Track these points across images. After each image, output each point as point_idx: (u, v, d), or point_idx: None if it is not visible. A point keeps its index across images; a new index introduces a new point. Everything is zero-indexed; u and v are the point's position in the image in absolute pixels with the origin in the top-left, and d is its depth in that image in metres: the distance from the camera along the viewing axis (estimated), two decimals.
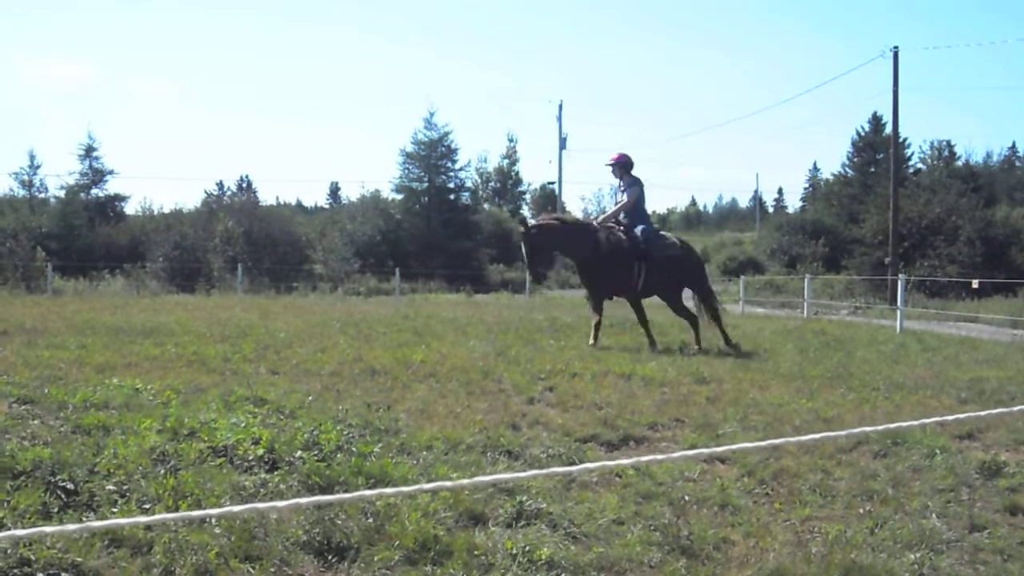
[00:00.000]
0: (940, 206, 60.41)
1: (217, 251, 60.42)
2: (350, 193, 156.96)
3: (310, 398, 10.44)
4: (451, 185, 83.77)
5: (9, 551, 5.32)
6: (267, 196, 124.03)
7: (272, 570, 5.66)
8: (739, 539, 6.63)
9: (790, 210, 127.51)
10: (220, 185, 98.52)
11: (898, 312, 27.72)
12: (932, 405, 11.88)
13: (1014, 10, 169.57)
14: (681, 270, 19.52)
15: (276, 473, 7.35)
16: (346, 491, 7.00)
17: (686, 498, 7.41)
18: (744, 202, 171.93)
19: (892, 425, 5.21)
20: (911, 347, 19.98)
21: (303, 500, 3.61)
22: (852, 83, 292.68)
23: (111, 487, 6.65)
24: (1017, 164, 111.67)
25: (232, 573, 5.56)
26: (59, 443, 7.62)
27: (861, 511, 7.38)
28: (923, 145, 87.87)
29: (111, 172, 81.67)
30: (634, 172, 19.35)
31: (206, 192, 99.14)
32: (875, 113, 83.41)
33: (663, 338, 19.28)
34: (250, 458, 7.63)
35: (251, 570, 5.62)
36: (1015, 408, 5.12)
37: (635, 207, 19.13)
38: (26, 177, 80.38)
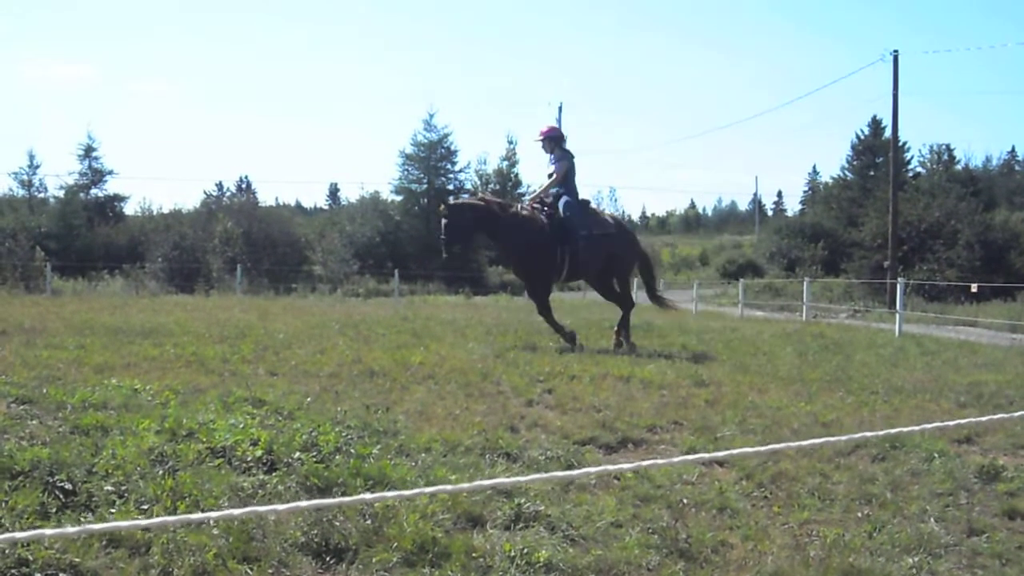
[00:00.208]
0: (939, 210, 60.37)
1: (216, 252, 60.46)
2: (349, 194, 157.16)
3: (309, 399, 10.44)
4: (450, 187, 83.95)
5: (7, 551, 5.32)
6: (266, 197, 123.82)
7: (270, 571, 5.65)
8: (737, 542, 6.63)
9: (789, 213, 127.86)
10: (219, 186, 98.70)
11: (897, 316, 27.75)
12: (931, 409, 11.88)
13: (1014, 15, 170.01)
14: (613, 252, 18.68)
15: (274, 474, 7.34)
16: (344, 493, 7.01)
17: (684, 501, 7.41)
18: (743, 205, 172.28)
19: (893, 431, 5.22)
20: (910, 351, 19.98)
21: (303, 504, 3.62)
22: (852, 87, 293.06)
23: (109, 487, 6.64)
24: (1016, 168, 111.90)
25: (230, 574, 5.55)
26: (57, 443, 7.61)
27: (859, 515, 7.38)
28: (922, 149, 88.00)
29: (110, 172, 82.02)
30: (566, 147, 18.75)
31: (205, 193, 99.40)
32: (875, 117, 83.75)
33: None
34: (248, 459, 7.62)
35: (249, 571, 5.61)
36: (1015, 414, 5.13)
37: (566, 182, 18.42)
38: (25, 177, 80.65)
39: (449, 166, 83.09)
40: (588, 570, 5.97)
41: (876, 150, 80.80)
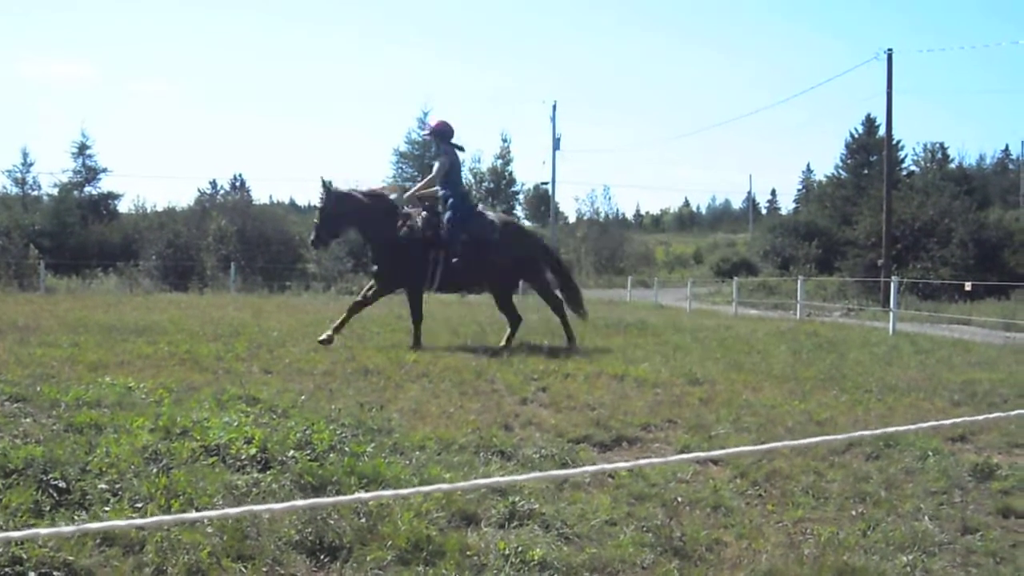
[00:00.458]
0: (933, 208, 60.48)
1: (210, 250, 60.49)
2: None
3: (303, 397, 10.43)
4: None
5: (0, 550, 5.31)
6: (260, 195, 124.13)
7: (264, 570, 5.64)
8: (732, 540, 6.62)
9: (783, 212, 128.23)
10: (213, 184, 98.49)
11: (891, 314, 27.76)
12: (925, 407, 11.88)
13: (1008, 13, 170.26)
14: (495, 261, 17.29)
15: (269, 472, 7.33)
16: (339, 491, 7.00)
17: (679, 499, 7.40)
18: (738, 203, 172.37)
19: (890, 429, 5.22)
20: (904, 349, 20.00)
21: (300, 503, 3.62)
22: (846, 85, 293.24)
23: (103, 486, 6.63)
24: (1010, 167, 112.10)
25: (224, 572, 5.54)
26: (51, 441, 7.61)
27: (854, 513, 7.38)
28: (916, 147, 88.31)
29: (104, 170, 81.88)
30: (454, 141, 17.56)
31: (199, 191, 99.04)
32: (869, 115, 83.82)
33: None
34: (243, 457, 7.61)
35: (243, 569, 5.60)
36: (1012, 413, 5.13)
37: (448, 181, 17.34)
38: (19, 175, 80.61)
39: None
40: (582, 568, 5.96)
41: (870, 148, 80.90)
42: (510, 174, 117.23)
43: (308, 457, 7.71)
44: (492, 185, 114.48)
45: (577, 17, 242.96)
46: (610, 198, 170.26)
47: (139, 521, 3.81)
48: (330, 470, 7.38)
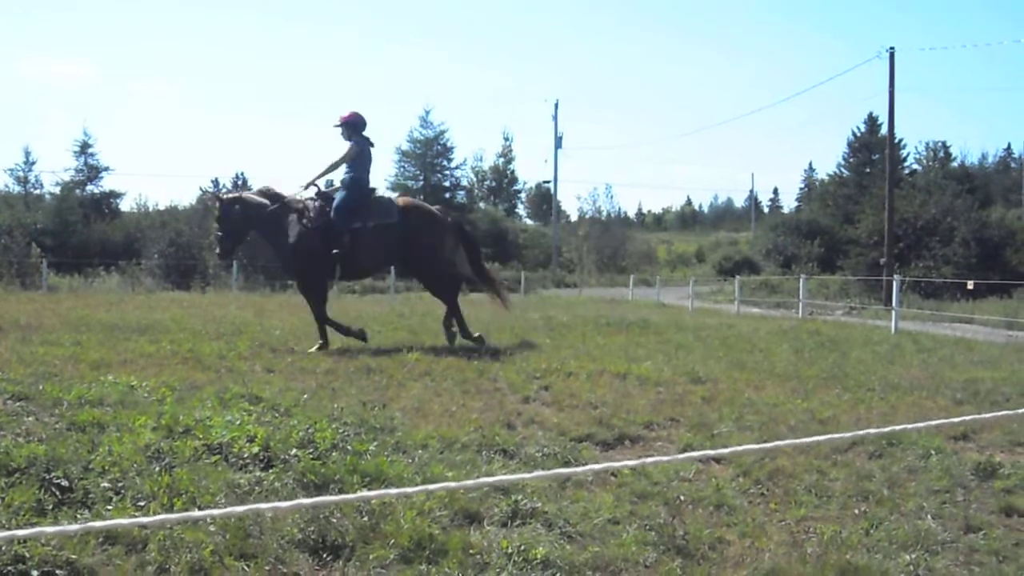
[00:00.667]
0: (935, 207, 60.42)
1: (212, 248, 60.45)
2: None
3: (305, 396, 10.44)
4: (447, 183, 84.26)
5: (3, 548, 5.31)
6: None
7: (267, 568, 5.65)
8: (735, 539, 6.63)
9: (785, 210, 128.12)
10: (216, 183, 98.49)
11: (893, 313, 27.70)
12: (927, 406, 11.88)
13: (1010, 12, 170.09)
14: (396, 243, 16.81)
15: (271, 471, 7.34)
16: (341, 489, 7.01)
17: (681, 498, 7.41)
18: (740, 202, 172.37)
19: (893, 428, 5.22)
20: (906, 348, 19.98)
21: (306, 501, 3.61)
22: (848, 83, 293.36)
23: (106, 484, 6.63)
24: (1012, 165, 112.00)
25: (227, 571, 5.55)
26: (54, 440, 7.61)
27: (856, 512, 7.38)
28: (919, 146, 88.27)
29: (107, 169, 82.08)
30: (365, 133, 17.07)
31: (201, 189, 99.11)
32: (871, 114, 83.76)
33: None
34: (245, 456, 7.62)
35: (246, 568, 5.61)
36: (1014, 411, 5.12)
37: (353, 168, 16.93)
38: (21, 173, 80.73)
39: (445, 163, 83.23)
40: (585, 567, 5.96)
41: (872, 147, 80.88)
42: (512, 173, 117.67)
43: (311, 456, 7.71)
44: (494, 183, 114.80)
45: (579, 16, 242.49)
46: (612, 196, 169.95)
47: (143, 519, 3.81)
48: (332, 469, 7.39)
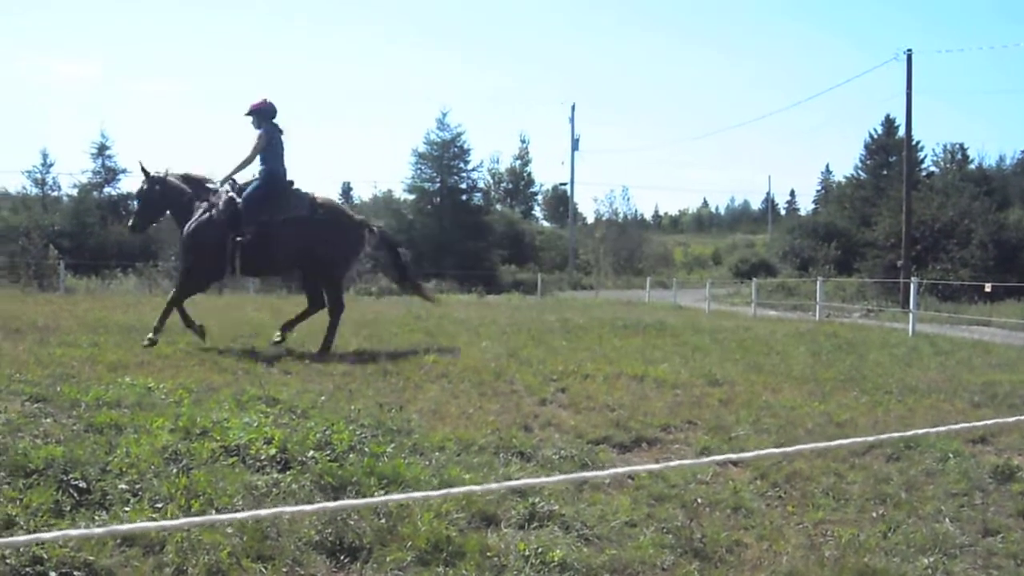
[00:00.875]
0: (953, 209, 60.25)
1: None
2: (362, 193, 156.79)
3: (322, 398, 10.44)
4: (463, 186, 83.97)
5: (22, 549, 5.32)
6: None
7: (284, 570, 5.65)
8: (752, 542, 6.62)
9: (802, 212, 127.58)
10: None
11: (910, 315, 27.67)
12: (945, 409, 11.86)
13: None
14: (308, 243, 16.02)
15: (288, 473, 7.34)
16: (358, 491, 7.02)
17: (699, 501, 7.40)
18: (756, 204, 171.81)
19: (910, 433, 5.21)
20: (924, 350, 19.95)
21: (330, 504, 3.62)
22: (865, 86, 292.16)
23: (123, 486, 6.65)
24: None
25: (244, 573, 5.55)
26: (71, 441, 7.62)
27: (874, 515, 7.37)
28: (936, 148, 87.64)
29: (124, 171, 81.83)
30: (275, 121, 16.46)
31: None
32: (888, 116, 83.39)
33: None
34: (262, 457, 7.63)
35: (263, 570, 5.61)
36: None
37: (266, 159, 16.28)
38: (39, 175, 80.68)
39: (462, 165, 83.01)
40: (603, 569, 5.96)
41: (889, 149, 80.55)
42: (529, 175, 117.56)
43: (328, 457, 7.72)
44: (511, 186, 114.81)
45: (592, 20, 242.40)
46: (628, 199, 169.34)
47: (167, 523, 3.81)
48: (350, 470, 7.39)
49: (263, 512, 3.84)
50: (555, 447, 8.88)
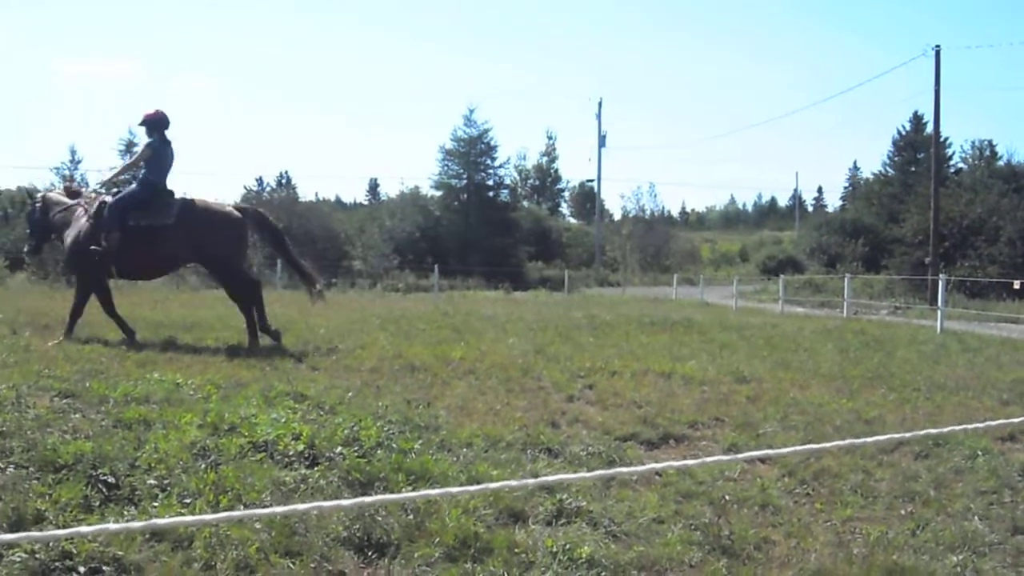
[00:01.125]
0: (981, 206, 59.89)
1: (256, 246, 60.75)
2: (389, 189, 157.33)
3: (350, 394, 10.46)
4: (490, 182, 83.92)
5: (51, 544, 5.34)
6: (306, 192, 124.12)
7: (312, 566, 5.66)
8: (780, 539, 6.61)
9: (830, 209, 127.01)
10: (259, 181, 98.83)
11: (938, 312, 27.55)
12: (974, 406, 11.81)
13: None
14: (176, 246, 15.76)
15: (316, 469, 7.36)
16: (386, 487, 7.03)
17: (726, 498, 7.39)
18: (783, 201, 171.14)
19: (944, 429, 5.19)
20: (952, 348, 19.87)
21: (358, 500, 3.62)
22: (892, 82, 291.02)
23: (152, 481, 6.67)
24: None
25: (272, 568, 5.56)
26: (100, 437, 7.65)
27: (903, 512, 7.35)
28: (964, 145, 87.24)
29: None
30: (166, 133, 16.28)
31: (245, 188, 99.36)
32: (916, 112, 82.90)
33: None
34: (290, 453, 7.64)
35: (291, 565, 5.62)
36: None
37: (150, 168, 16.13)
38: (67, 172, 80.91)
39: (489, 161, 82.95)
40: (630, 566, 5.96)
41: (917, 146, 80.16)
42: (555, 171, 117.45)
43: (355, 453, 7.74)
44: (537, 182, 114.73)
45: (622, 17, 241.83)
46: (655, 195, 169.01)
47: (196, 518, 3.81)
48: (377, 466, 7.41)
49: (291, 508, 3.82)
50: (583, 443, 8.89)
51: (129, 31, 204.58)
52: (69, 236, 16.12)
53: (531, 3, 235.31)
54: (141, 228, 15.57)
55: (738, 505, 7.27)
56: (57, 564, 5.29)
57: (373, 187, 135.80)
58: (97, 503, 6.24)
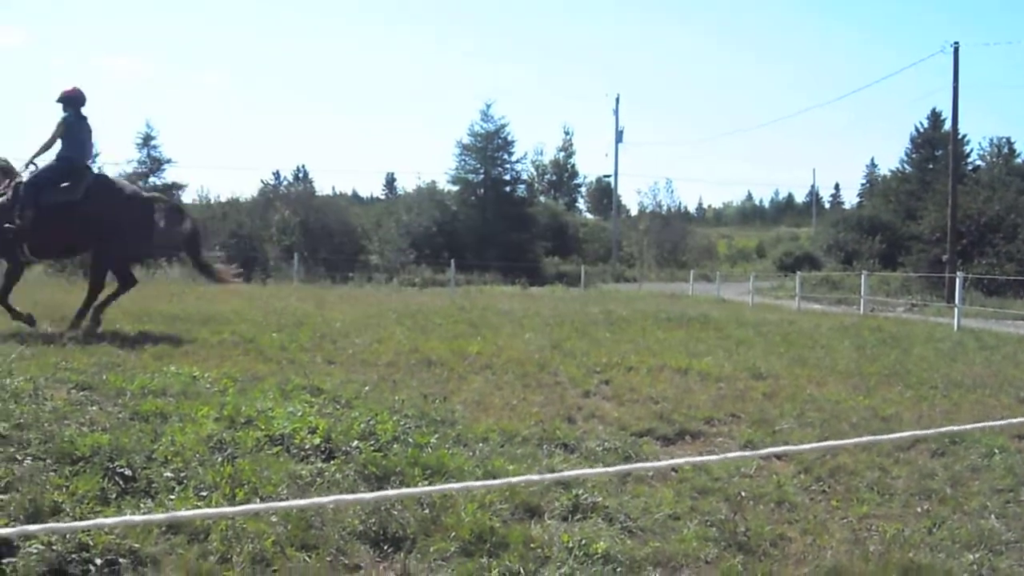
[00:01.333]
0: (999, 203, 59.68)
1: (273, 240, 60.91)
2: (406, 184, 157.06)
3: (366, 388, 10.46)
4: (507, 177, 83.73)
5: (68, 536, 5.36)
6: (323, 186, 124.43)
7: (328, 559, 5.67)
8: (796, 536, 6.61)
9: (847, 206, 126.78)
10: (277, 175, 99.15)
11: (956, 310, 27.46)
12: (990, 404, 11.80)
13: None
14: (84, 223, 15.36)
15: (333, 462, 7.37)
16: (402, 482, 7.04)
17: (742, 494, 7.39)
18: (801, 197, 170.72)
19: (962, 427, 5.18)
20: (969, 345, 19.82)
21: (374, 494, 3.63)
22: (910, 79, 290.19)
23: (168, 474, 6.69)
24: None
25: (288, 561, 5.57)
26: (117, 429, 7.67)
27: (919, 510, 7.35)
28: (982, 142, 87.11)
29: (169, 161, 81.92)
30: (82, 110, 16.02)
31: (263, 182, 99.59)
32: (934, 109, 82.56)
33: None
34: (307, 447, 7.66)
35: (307, 559, 5.64)
36: None
37: (65, 144, 15.78)
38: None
39: (506, 156, 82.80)
40: (646, 562, 5.96)
41: (935, 143, 79.89)
42: (572, 167, 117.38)
43: (372, 447, 7.75)
44: (554, 177, 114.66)
45: (640, 14, 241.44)
46: (672, 191, 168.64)
47: (212, 511, 3.81)
48: (394, 460, 7.42)
49: (311, 501, 3.83)
50: (599, 439, 8.89)
51: (145, 28, 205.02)
52: None
53: (549, 1, 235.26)
54: (54, 205, 15.36)
55: (754, 501, 7.27)
56: (74, 556, 5.31)
57: (390, 181, 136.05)
58: (114, 495, 6.26)
